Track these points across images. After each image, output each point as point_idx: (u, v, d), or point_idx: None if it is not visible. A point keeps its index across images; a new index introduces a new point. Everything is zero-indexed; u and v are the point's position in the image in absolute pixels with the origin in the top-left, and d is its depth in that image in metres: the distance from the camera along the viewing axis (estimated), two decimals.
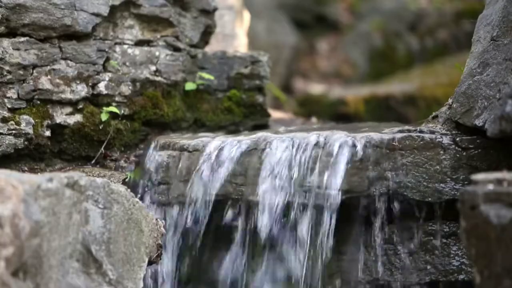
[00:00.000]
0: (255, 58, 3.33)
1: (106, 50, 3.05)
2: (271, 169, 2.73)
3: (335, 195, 2.67)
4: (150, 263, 2.49)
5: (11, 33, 2.90)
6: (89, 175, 2.64)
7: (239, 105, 3.30)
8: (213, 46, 3.62)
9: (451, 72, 5.29)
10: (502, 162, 2.66)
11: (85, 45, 3.01)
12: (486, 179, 2.03)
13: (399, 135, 2.73)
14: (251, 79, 3.32)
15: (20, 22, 2.89)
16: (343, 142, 2.72)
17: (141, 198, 2.84)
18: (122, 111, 3.08)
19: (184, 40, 3.26)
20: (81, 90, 3.00)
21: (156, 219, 2.52)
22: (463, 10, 7.08)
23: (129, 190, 2.45)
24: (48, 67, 2.94)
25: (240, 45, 4.42)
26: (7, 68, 2.87)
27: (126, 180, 2.91)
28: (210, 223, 2.80)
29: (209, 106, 3.28)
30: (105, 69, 3.06)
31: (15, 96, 2.89)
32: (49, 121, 2.95)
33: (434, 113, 2.96)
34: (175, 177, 2.84)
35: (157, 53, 3.17)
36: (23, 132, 2.87)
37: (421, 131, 2.78)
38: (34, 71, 2.92)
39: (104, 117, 3.02)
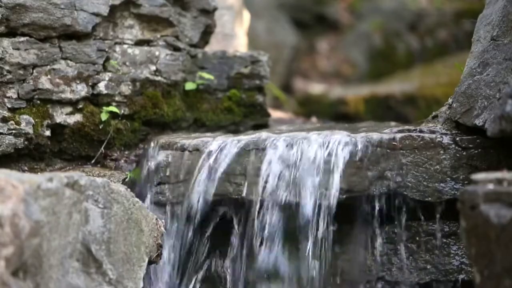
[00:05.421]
0: (255, 58, 3.33)
1: (106, 49, 3.05)
2: (271, 169, 2.73)
3: (335, 194, 2.67)
4: (150, 262, 2.49)
5: (11, 33, 2.90)
6: (89, 175, 2.64)
7: (239, 105, 3.30)
8: (213, 46, 3.62)
9: (451, 72, 5.28)
10: (502, 162, 2.66)
11: (85, 44, 3.01)
12: (486, 179, 2.04)
13: (399, 135, 2.73)
14: (251, 79, 3.32)
15: (20, 22, 2.89)
16: (343, 142, 2.72)
17: (141, 198, 2.84)
18: (122, 111, 3.08)
19: (184, 40, 3.26)
20: (81, 89, 3.00)
21: (156, 219, 2.52)
22: (463, 10, 7.07)
23: (129, 189, 2.45)
24: (48, 67, 2.94)
25: (240, 45, 4.42)
26: (7, 68, 2.87)
27: (126, 179, 2.91)
28: (210, 223, 2.80)
29: (209, 106, 3.28)
30: (105, 68, 3.06)
31: (15, 96, 2.89)
32: (49, 121, 2.95)
33: (434, 113, 2.96)
34: (175, 177, 2.84)
35: (157, 53, 3.17)
36: (23, 132, 2.87)
37: (421, 131, 2.78)
38: (34, 71, 2.92)
39: (104, 116, 3.02)
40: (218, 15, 3.48)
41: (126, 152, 3.10)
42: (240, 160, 2.77)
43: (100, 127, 3.03)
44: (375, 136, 2.74)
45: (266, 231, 2.72)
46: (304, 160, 2.72)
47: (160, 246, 2.51)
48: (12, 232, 1.92)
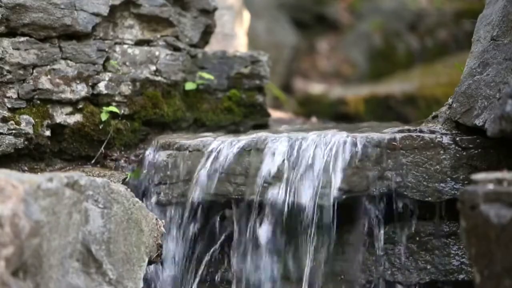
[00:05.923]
0: (255, 58, 3.33)
1: (106, 50, 3.05)
2: (271, 169, 2.73)
3: (335, 194, 2.67)
4: (150, 262, 2.49)
5: (11, 33, 2.90)
6: (89, 175, 2.64)
7: (239, 105, 3.30)
8: (213, 46, 3.62)
9: (451, 72, 5.29)
10: (502, 162, 2.66)
11: (85, 45, 3.01)
12: (486, 179, 2.03)
13: (399, 135, 2.73)
14: (251, 79, 3.32)
15: (20, 22, 2.89)
16: (343, 142, 2.72)
17: (141, 198, 2.84)
18: (122, 111, 3.08)
19: (184, 40, 3.26)
20: (81, 90, 3.00)
21: (156, 219, 2.52)
22: (463, 10, 7.08)
23: (129, 189, 2.45)
24: (48, 67, 2.94)
25: (240, 45, 4.42)
26: (7, 68, 2.87)
27: (126, 180, 2.91)
28: (210, 223, 2.80)
29: (209, 106, 3.28)
30: (105, 69, 3.06)
31: (15, 96, 2.89)
32: (49, 121, 2.95)
33: (434, 113, 2.96)
34: (175, 177, 2.84)
35: (157, 53, 3.17)
36: (23, 132, 2.87)
37: (421, 131, 2.78)
38: (34, 71, 2.92)
39: (104, 117, 3.02)
40: (218, 15, 3.48)
41: (126, 152, 3.10)
42: (240, 160, 2.77)
43: (100, 127, 3.03)
44: (375, 136, 2.74)
45: (266, 231, 2.72)
46: (304, 160, 2.72)
47: (160, 246, 2.51)
48: (12, 232, 1.92)
